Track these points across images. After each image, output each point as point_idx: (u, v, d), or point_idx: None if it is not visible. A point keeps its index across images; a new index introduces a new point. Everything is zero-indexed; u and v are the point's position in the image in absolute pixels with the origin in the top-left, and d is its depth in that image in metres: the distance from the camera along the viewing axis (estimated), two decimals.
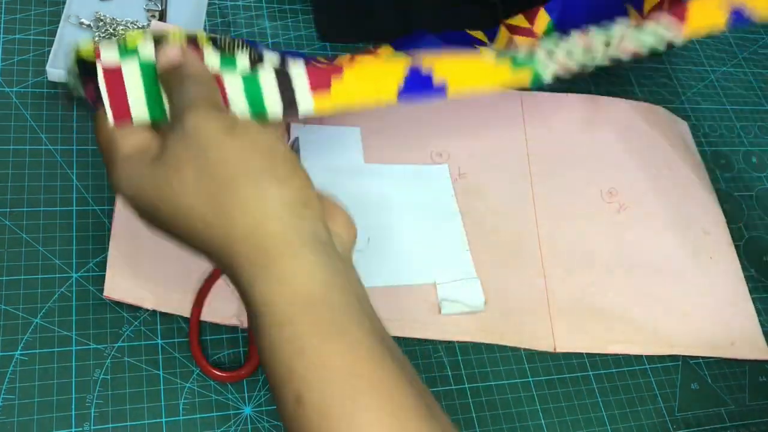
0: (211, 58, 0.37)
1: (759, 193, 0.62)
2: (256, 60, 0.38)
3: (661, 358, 0.51)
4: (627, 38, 0.46)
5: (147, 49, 0.36)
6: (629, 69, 0.66)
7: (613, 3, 0.54)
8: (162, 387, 0.43)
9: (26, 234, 0.45)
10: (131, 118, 0.35)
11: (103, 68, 0.35)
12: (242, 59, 0.38)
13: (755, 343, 0.53)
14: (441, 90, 0.41)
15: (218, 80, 0.36)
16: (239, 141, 0.32)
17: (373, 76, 0.40)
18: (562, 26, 0.54)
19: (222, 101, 0.35)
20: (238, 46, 0.38)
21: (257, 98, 0.36)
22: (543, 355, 0.49)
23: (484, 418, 0.46)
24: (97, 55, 0.36)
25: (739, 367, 0.52)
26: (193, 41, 0.37)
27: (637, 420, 0.48)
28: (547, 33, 0.54)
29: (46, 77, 0.50)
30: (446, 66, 0.41)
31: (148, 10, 0.55)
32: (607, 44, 0.46)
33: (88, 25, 0.53)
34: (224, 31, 0.57)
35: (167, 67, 0.35)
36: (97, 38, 0.52)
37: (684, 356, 0.52)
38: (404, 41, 0.54)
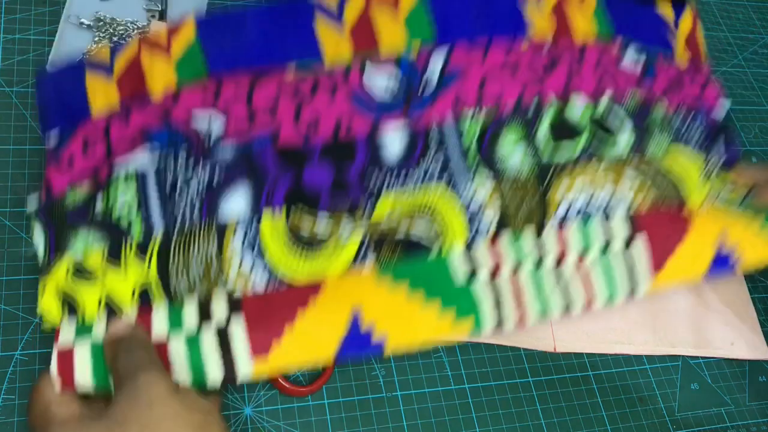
0: (160, 319, 0.40)
1: None
2: (206, 307, 0.41)
3: (661, 358, 0.51)
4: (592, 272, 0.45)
5: (101, 328, 0.40)
6: None
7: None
8: None
9: (26, 234, 0.45)
10: (75, 389, 0.38)
11: (57, 352, 0.39)
12: (190, 312, 0.41)
13: (755, 343, 0.53)
14: (379, 347, 0.42)
15: (162, 348, 0.39)
16: (182, 400, 0.35)
17: (313, 337, 0.41)
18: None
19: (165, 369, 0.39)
20: (190, 289, 0.41)
21: (198, 365, 0.39)
22: (543, 355, 0.49)
23: (483, 418, 0.46)
24: (56, 337, 0.40)
25: (739, 367, 0.52)
26: (146, 297, 0.41)
27: (637, 420, 0.48)
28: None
29: None
30: (388, 320, 0.42)
31: (148, 10, 0.55)
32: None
33: (88, 25, 0.53)
34: None
35: (115, 339, 0.39)
36: (97, 40, 0.52)
37: (684, 356, 0.52)
38: None
